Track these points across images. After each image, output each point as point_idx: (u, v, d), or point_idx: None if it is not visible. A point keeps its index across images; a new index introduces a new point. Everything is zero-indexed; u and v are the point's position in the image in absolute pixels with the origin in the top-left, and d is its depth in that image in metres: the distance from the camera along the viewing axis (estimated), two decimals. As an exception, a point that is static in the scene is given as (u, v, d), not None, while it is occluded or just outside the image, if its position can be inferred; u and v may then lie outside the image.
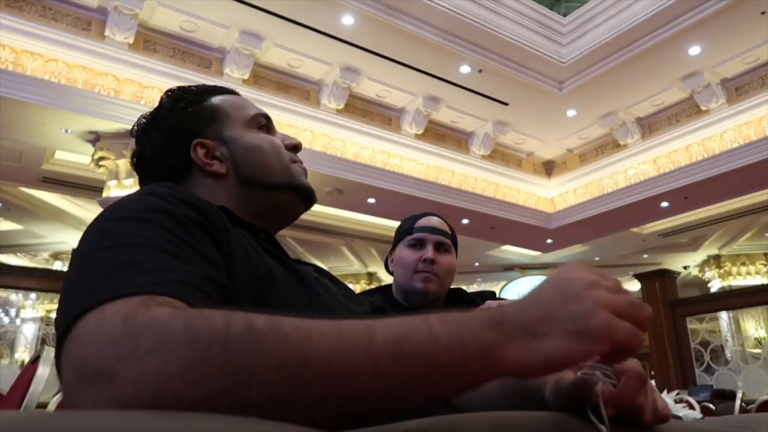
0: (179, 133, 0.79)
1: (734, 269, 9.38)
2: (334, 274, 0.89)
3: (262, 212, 0.79)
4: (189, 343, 0.37)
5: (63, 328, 0.42)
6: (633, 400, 0.47)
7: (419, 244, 1.41)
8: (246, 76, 5.53)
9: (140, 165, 0.82)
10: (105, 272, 0.45)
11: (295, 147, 0.85)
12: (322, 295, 0.69)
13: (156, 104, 0.84)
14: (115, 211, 0.55)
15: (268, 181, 0.79)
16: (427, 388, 0.40)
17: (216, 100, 0.83)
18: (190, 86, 0.86)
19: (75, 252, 0.52)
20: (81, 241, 0.53)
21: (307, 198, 0.83)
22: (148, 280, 0.44)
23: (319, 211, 6.89)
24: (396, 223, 1.51)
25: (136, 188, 0.67)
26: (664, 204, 6.80)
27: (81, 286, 0.45)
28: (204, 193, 0.75)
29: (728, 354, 8.76)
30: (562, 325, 0.41)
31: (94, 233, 0.53)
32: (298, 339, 0.38)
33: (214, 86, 0.87)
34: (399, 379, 0.39)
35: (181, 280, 0.46)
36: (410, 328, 0.40)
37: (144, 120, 0.83)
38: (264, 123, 0.84)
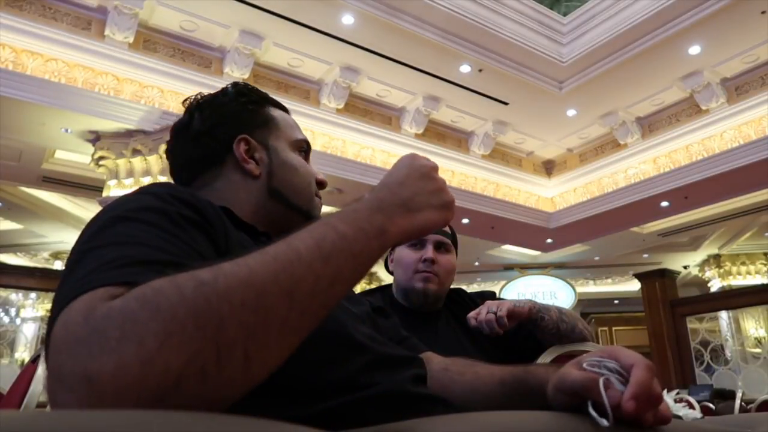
0: (231, 122, 0.82)
1: (734, 269, 9.38)
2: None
3: (276, 224, 0.80)
4: (154, 316, 0.37)
5: (47, 336, 0.42)
6: (650, 389, 0.47)
7: (419, 244, 1.41)
8: (246, 76, 5.53)
9: (179, 136, 0.84)
10: (83, 273, 0.45)
11: (322, 183, 0.89)
12: None
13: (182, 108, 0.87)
14: (110, 210, 0.55)
15: (293, 201, 0.82)
16: (352, 274, 0.49)
17: (273, 111, 0.87)
18: (256, 88, 0.89)
19: (69, 253, 0.53)
20: (76, 242, 0.53)
21: None
22: (116, 273, 0.44)
23: (319, 210, 6.88)
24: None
25: (136, 188, 0.67)
26: (664, 203, 6.80)
27: (61, 289, 0.45)
28: (228, 187, 0.78)
29: (728, 353, 8.76)
30: (428, 202, 0.57)
31: (87, 233, 0.53)
32: (245, 274, 0.42)
33: (276, 100, 0.91)
34: (332, 274, 0.46)
35: (150, 270, 0.45)
36: (321, 233, 0.48)
37: (201, 97, 0.85)
38: (305, 149, 0.88)
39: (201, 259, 0.53)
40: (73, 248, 0.52)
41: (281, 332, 0.42)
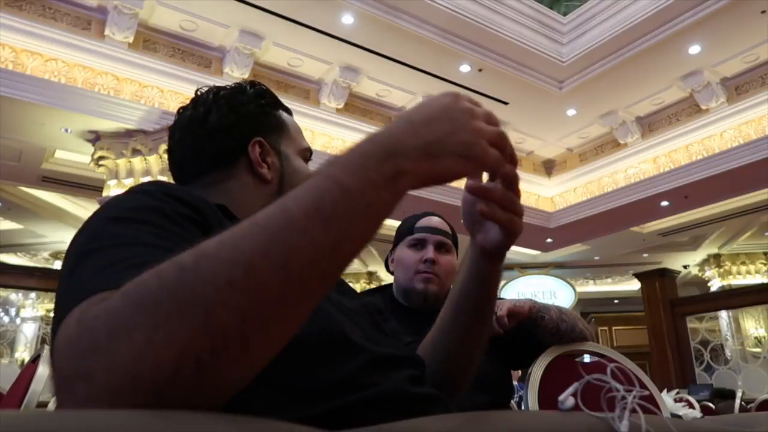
0: (250, 123, 0.81)
1: (734, 268, 9.38)
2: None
3: None
4: (138, 310, 0.36)
5: (51, 341, 0.42)
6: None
7: (420, 245, 1.41)
8: (246, 76, 5.53)
9: (191, 128, 0.81)
10: (82, 279, 0.45)
11: None
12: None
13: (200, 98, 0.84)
14: (105, 211, 0.55)
15: None
16: (360, 233, 0.43)
17: (285, 116, 0.87)
18: (270, 90, 0.88)
19: (65, 253, 0.52)
20: (71, 243, 0.52)
21: None
22: (115, 278, 0.43)
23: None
24: (396, 223, 1.51)
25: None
26: (664, 203, 6.80)
27: (61, 297, 0.45)
28: (238, 189, 0.77)
29: (728, 353, 8.76)
30: (453, 150, 0.48)
31: (83, 235, 0.52)
32: (229, 251, 0.38)
33: (283, 103, 0.90)
34: (334, 238, 0.41)
35: (143, 269, 0.46)
36: (320, 191, 0.42)
37: (216, 90, 0.83)
38: (308, 158, 0.88)
39: None
40: (70, 250, 0.51)
41: (280, 309, 0.38)
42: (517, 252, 9.07)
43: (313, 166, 0.89)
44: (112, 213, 0.54)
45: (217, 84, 0.88)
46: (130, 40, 4.99)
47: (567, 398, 0.46)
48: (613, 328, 12.57)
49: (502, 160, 0.54)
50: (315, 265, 0.40)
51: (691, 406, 3.63)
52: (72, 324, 0.39)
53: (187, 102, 0.85)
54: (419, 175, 0.46)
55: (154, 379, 0.34)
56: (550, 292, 9.58)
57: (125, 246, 0.49)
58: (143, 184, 0.61)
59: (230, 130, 0.79)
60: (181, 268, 0.38)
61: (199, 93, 0.84)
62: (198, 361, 0.35)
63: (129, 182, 4.94)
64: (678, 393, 4.52)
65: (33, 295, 7.41)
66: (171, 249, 0.49)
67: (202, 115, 0.81)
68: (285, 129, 0.84)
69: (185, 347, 0.35)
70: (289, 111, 0.90)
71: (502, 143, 0.53)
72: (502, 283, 9.05)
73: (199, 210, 0.58)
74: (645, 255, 9.09)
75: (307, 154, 0.87)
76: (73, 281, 0.46)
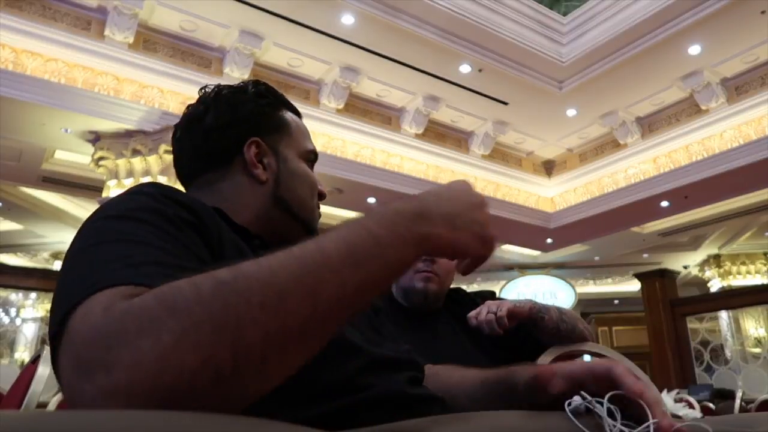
0: (246, 123, 0.80)
1: (734, 269, 9.38)
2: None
3: (274, 231, 0.78)
4: (170, 314, 0.37)
5: (55, 328, 0.42)
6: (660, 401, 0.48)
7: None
8: (246, 76, 5.52)
9: (190, 127, 0.81)
10: (93, 268, 0.46)
11: (322, 195, 0.87)
12: None
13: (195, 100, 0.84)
14: (105, 210, 0.55)
15: (296, 211, 0.80)
16: (382, 281, 0.47)
17: (288, 116, 0.86)
18: (275, 89, 0.88)
19: (66, 253, 0.52)
20: (72, 242, 0.53)
21: None
22: (132, 273, 0.44)
23: (319, 210, 6.89)
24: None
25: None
26: (664, 203, 6.80)
27: (70, 284, 0.45)
28: (233, 189, 0.77)
29: (728, 353, 8.76)
30: (470, 227, 0.54)
31: (84, 233, 0.53)
32: (266, 275, 0.41)
33: (290, 103, 0.90)
34: (359, 281, 0.44)
35: (167, 273, 0.46)
36: (355, 236, 0.46)
37: (219, 89, 0.83)
38: (313, 160, 0.87)
39: (198, 261, 0.53)
40: (75, 245, 0.51)
41: (301, 337, 0.41)
42: (517, 252, 9.08)
43: (315, 167, 0.89)
44: (114, 212, 0.54)
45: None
46: (130, 40, 4.99)
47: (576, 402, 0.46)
48: (613, 328, 12.56)
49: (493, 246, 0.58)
50: (339, 302, 0.43)
51: (691, 406, 3.63)
52: (98, 313, 0.39)
53: (190, 102, 0.85)
54: (440, 243, 0.51)
55: (173, 381, 0.35)
56: (551, 292, 9.58)
57: (132, 243, 0.49)
58: (142, 185, 0.61)
59: (226, 129, 0.79)
60: (218, 281, 0.39)
61: (203, 92, 0.84)
62: (218, 372, 0.36)
63: (129, 182, 4.94)
64: (678, 393, 4.52)
65: (33, 295, 7.40)
66: (172, 251, 0.49)
67: (200, 113, 0.81)
68: (286, 130, 0.83)
69: (209, 357, 0.36)
70: (296, 112, 0.89)
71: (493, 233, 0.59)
72: (502, 283, 8.99)
73: (197, 214, 0.58)
74: (645, 255, 9.09)
75: (311, 156, 0.85)
76: (84, 269, 0.46)
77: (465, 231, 0.53)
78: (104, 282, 0.43)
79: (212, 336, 0.37)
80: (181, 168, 0.82)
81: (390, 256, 0.46)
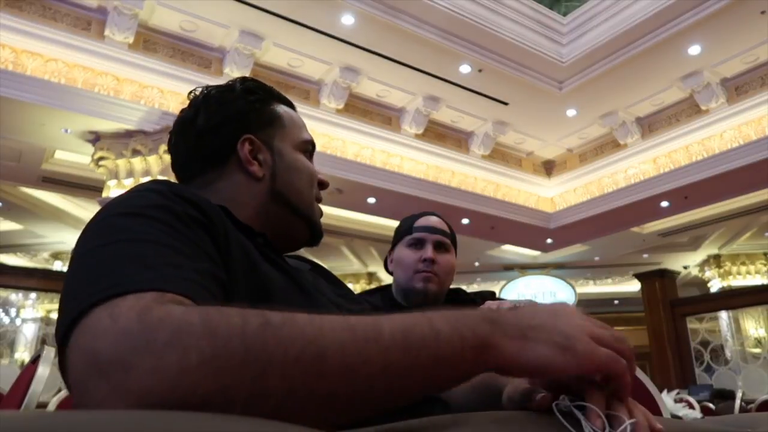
0: (237, 121, 0.79)
1: (734, 269, 9.38)
2: (334, 274, 0.89)
3: (276, 227, 0.78)
4: (208, 337, 0.37)
5: (68, 322, 0.42)
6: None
7: (419, 244, 1.41)
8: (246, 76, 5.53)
9: (182, 131, 0.81)
10: (111, 267, 0.45)
11: (323, 184, 0.86)
12: (320, 298, 0.69)
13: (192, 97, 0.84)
14: (114, 207, 0.54)
15: (295, 204, 0.80)
16: (430, 379, 0.43)
17: (280, 109, 0.85)
18: (264, 84, 0.86)
19: (75, 249, 0.52)
20: (81, 239, 0.52)
21: (315, 238, 0.84)
22: (156, 276, 0.44)
23: (319, 210, 6.89)
24: (396, 223, 1.51)
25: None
26: (664, 203, 6.80)
27: (87, 281, 0.45)
28: (230, 188, 0.76)
29: (728, 353, 8.76)
30: (551, 337, 0.46)
31: (94, 230, 0.52)
32: (313, 332, 0.40)
33: (282, 95, 0.88)
34: (406, 369, 0.41)
35: (187, 277, 0.47)
36: (414, 322, 0.44)
37: (207, 90, 0.83)
38: (310, 150, 0.86)
39: (208, 259, 0.52)
40: (88, 241, 0.51)
41: (322, 402, 0.39)
42: (517, 253, 9.08)
43: (315, 165, 0.88)
44: (122, 209, 0.53)
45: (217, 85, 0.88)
46: (130, 40, 4.99)
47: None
48: (613, 328, 12.54)
49: (619, 360, 0.47)
50: (378, 382, 0.41)
51: (691, 406, 3.63)
52: (130, 315, 0.39)
53: (187, 104, 0.85)
54: (507, 354, 0.45)
55: (186, 398, 0.36)
56: (551, 292, 9.59)
57: (138, 241, 0.49)
58: (151, 182, 0.60)
59: (217, 129, 0.78)
60: (266, 322, 0.39)
61: (192, 95, 0.83)
62: (230, 403, 0.36)
63: (129, 183, 4.94)
64: (678, 393, 4.52)
65: (33, 295, 7.41)
66: (182, 250, 0.49)
67: (191, 116, 0.80)
68: (278, 123, 0.82)
69: (227, 387, 0.36)
70: (288, 103, 0.88)
71: (618, 346, 0.48)
72: (502, 283, 9.00)
73: (205, 212, 0.58)
74: (645, 255, 9.09)
75: (307, 146, 0.85)
76: (92, 272, 0.46)
77: (541, 343, 0.45)
78: (130, 285, 0.42)
79: (238, 368, 0.37)
80: (178, 171, 0.82)
81: (445, 351, 0.43)
